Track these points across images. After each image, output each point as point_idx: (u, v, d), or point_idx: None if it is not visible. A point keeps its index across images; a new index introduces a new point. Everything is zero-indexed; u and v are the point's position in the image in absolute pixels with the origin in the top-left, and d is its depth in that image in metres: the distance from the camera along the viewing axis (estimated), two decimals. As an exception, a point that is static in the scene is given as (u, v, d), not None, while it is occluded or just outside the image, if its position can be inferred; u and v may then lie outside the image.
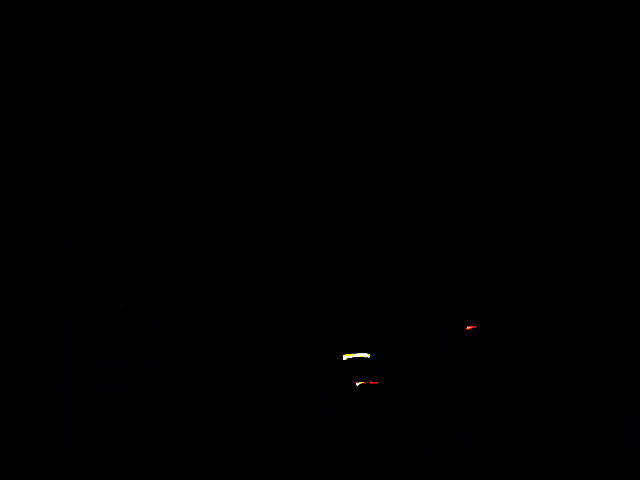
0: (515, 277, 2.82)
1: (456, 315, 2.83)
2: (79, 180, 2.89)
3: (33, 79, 2.90)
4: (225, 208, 2.91)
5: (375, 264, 2.89)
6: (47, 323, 2.79)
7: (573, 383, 2.71)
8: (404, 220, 2.89)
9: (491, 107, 2.87)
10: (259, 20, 2.92)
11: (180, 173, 2.92)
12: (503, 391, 2.76)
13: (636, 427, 2.64)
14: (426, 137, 2.90)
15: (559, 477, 2.65)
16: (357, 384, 2.75)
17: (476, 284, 2.84)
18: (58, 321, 2.80)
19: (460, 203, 2.87)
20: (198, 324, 2.84)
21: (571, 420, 2.68)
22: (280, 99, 2.94)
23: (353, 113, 2.93)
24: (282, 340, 2.84)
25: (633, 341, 2.71)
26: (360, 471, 2.72)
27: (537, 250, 2.82)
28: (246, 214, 2.91)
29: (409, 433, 2.75)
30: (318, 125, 2.93)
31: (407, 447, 2.73)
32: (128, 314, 2.83)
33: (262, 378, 2.80)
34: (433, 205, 2.89)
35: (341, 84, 2.93)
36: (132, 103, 2.92)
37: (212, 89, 2.94)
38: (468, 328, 2.81)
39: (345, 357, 2.76)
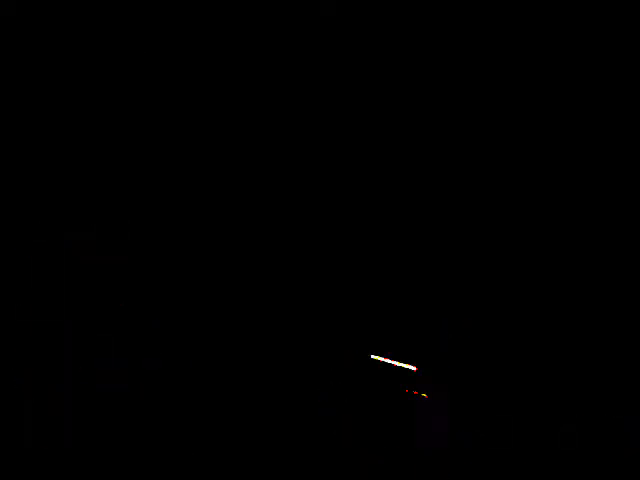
0: (515, 277, 2.82)
1: (456, 315, 2.83)
2: (79, 180, 2.90)
3: (33, 79, 2.90)
4: (225, 208, 2.91)
5: (375, 264, 2.89)
6: (47, 323, 2.79)
7: (573, 383, 2.71)
8: (403, 220, 2.89)
9: (491, 107, 2.87)
10: (259, 20, 2.92)
11: (180, 173, 2.92)
12: (503, 391, 2.76)
13: (636, 427, 2.64)
14: (426, 135, 2.90)
15: (559, 477, 2.65)
16: (403, 392, 2.75)
17: (476, 284, 2.84)
18: (58, 321, 2.80)
19: (461, 203, 2.88)
20: (198, 324, 2.84)
21: (571, 420, 2.68)
22: (280, 99, 2.94)
23: (353, 113, 2.93)
24: (282, 340, 2.84)
25: (633, 341, 2.71)
26: (360, 471, 2.72)
27: (537, 250, 2.82)
28: (247, 214, 2.91)
29: (409, 433, 2.75)
30: (318, 125, 2.93)
31: (407, 447, 2.73)
32: (128, 314, 2.83)
33: (262, 378, 2.81)
34: (434, 205, 2.89)
35: (341, 84, 2.93)
36: (132, 103, 2.92)
37: (212, 89, 2.94)
38: (468, 328, 2.81)
39: (374, 357, 2.76)
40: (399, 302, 2.86)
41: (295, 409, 2.78)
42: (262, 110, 2.94)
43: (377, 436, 2.75)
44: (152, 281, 2.86)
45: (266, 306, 2.86)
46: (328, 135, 2.93)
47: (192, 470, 2.70)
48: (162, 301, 2.85)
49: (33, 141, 2.90)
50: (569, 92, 2.82)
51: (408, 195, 2.90)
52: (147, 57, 2.92)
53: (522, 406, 2.73)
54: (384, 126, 2.92)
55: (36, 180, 2.88)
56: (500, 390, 2.76)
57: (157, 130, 2.93)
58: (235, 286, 2.88)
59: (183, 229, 2.90)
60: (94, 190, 2.89)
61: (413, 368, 2.75)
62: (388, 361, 2.80)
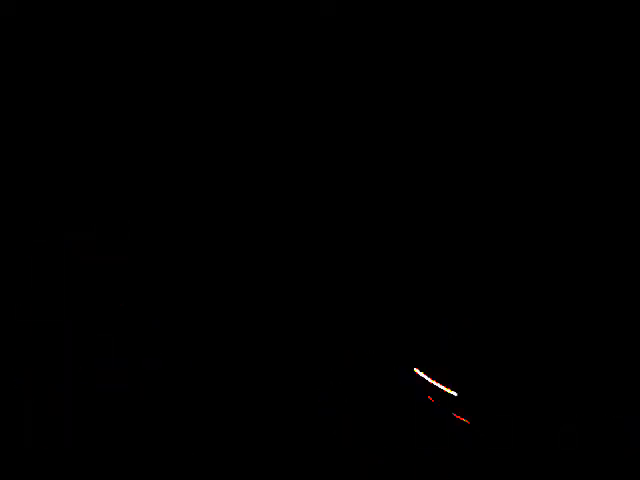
0: (515, 277, 2.82)
1: (456, 315, 2.83)
2: (79, 180, 2.89)
3: (33, 79, 2.90)
4: (226, 208, 2.91)
5: (375, 263, 2.89)
6: (47, 323, 2.79)
7: (573, 383, 2.71)
8: (403, 219, 2.89)
9: (491, 107, 2.87)
10: (258, 20, 2.92)
11: (180, 173, 2.92)
12: (503, 391, 2.75)
13: (636, 427, 2.64)
14: (426, 136, 2.90)
15: (559, 477, 2.65)
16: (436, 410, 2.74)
17: (476, 284, 2.84)
18: (58, 321, 2.80)
19: (461, 203, 2.87)
20: (198, 324, 2.84)
21: (571, 420, 2.68)
22: (280, 99, 2.94)
23: (353, 113, 2.93)
24: (282, 340, 2.84)
25: (633, 341, 2.71)
26: (360, 471, 2.72)
27: (537, 250, 2.82)
28: (246, 214, 2.91)
29: (409, 433, 2.75)
30: (318, 125, 2.93)
31: (407, 447, 2.73)
32: (128, 314, 2.83)
33: (262, 378, 2.80)
34: (434, 206, 2.89)
35: (341, 84, 2.93)
36: (132, 103, 2.92)
37: (212, 89, 2.94)
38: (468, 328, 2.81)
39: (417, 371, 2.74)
40: (399, 302, 2.86)
41: (295, 409, 2.77)
42: (262, 110, 2.94)
43: (377, 436, 2.75)
44: (152, 281, 2.86)
45: (266, 306, 2.86)
46: (328, 135, 2.93)
47: (192, 470, 2.70)
48: (162, 301, 2.85)
49: (33, 141, 2.89)
50: (569, 92, 2.81)
51: (408, 195, 2.90)
52: (147, 57, 2.92)
53: (522, 406, 2.72)
54: (384, 127, 2.92)
55: (36, 180, 2.88)
56: (500, 390, 2.76)
57: (157, 130, 2.93)
58: (235, 286, 2.87)
59: (183, 229, 2.90)
60: (94, 190, 2.89)
61: (454, 393, 2.73)
62: (423, 376, 2.77)
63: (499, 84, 2.86)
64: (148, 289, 2.85)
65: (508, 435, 2.70)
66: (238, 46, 2.93)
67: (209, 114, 2.93)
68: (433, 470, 2.71)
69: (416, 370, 2.79)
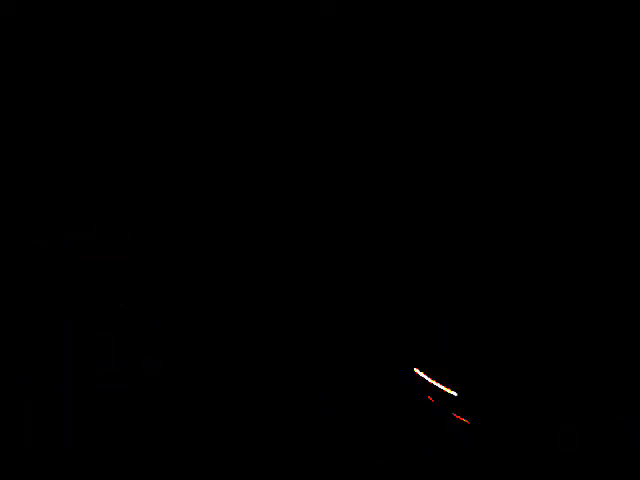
0: (515, 277, 2.82)
1: (456, 315, 2.83)
2: (79, 180, 2.89)
3: (33, 79, 2.90)
4: (226, 208, 2.91)
5: (374, 263, 2.89)
6: (47, 323, 2.79)
7: (573, 383, 2.71)
8: (403, 219, 2.89)
9: (490, 108, 2.87)
10: (258, 20, 2.92)
11: (180, 173, 2.92)
12: (503, 391, 2.76)
13: (636, 427, 2.64)
14: (426, 136, 2.90)
15: (559, 477, 2.65)
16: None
17: (476, 284, 2.84)
18: (58, 321, 2.80)
19: (461, 203, 2.87)
20: (198, 324, 2.84)
21: (571, 420, 2.68)
22: (279, 99, 2.94)
23: (353, 113, 2.93)
24: (282, 340, 2.84)
25: (633, 341, 2.71)
26: (360, 471, 2.72)
27: (538, 250, 2.82)
28: (246, 214, 2.91)
29: (409, 433, 2.75)
30: (318, 125, 2.93)
31: (407, 447, 2.73)
32: (128, 314, 2.83)
33: (262, 378, 2.80)
34: (434, 206, 2.89)
35: (341, 84, 2.93)
36: (132, 103, 2.92)
37: (212, 89, 2.94)
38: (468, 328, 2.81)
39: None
40: (399, 302, 2.86)
41: (295, 409, 2.77)
42: (262, 110, 2.94)
43: (377, 436, 2.75)
44: (152, 281, 2.86)
45: (266, 306, 2.86)
46: (328, 135, 2.93)
47: (192, 470, 2.70)
48: (162, 301, 2.85)
49: (33, 141, 2.90)
50: (569, 92, 2.81)
51: (408, 196, 2.90)
52: (147, 57, 2.92)
53: (522, 406, 2.72)
54: (384, 127, 2.92)
55: (36, 180, 2.88)
56: (500, 390, 2.76)
57: (157, 130, 2.93)
58: (235, 286, 2.87)
59: (183, 229, 2.90)
60: (94, 190, 2.89)
61: (453, 393, 2.72)
62: (423, 376, 2.76)
63: (499, 84, 2.86)
64: (148, 289, 2.85)
65: (508, 435, 2.70)
66: (238, 46, 2.93)
67: (209, 114, 2.93)
68: (433, 470, 2.71)
69: (416, 370, 2.79)
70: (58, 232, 2.85)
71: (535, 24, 2.82)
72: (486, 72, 2.87)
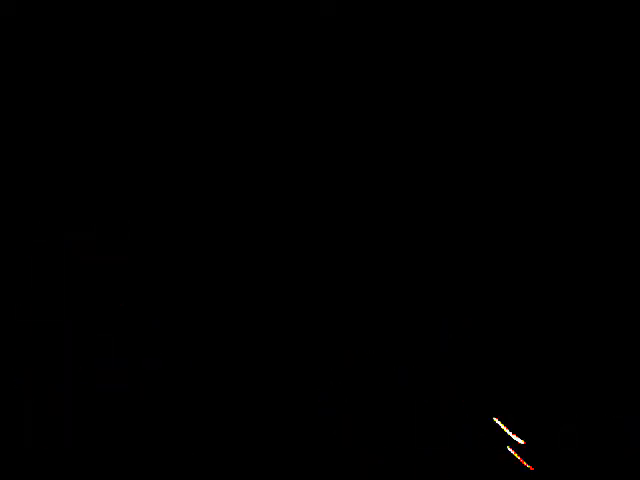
0: (515, 277, 2.82)
1: (456, 315, 2.83)
2: (79, 180, 2.89)
3: (33, 79, 2.90)
4: (226, 208, 2.91)
5: (374, 263, 2.89)
6: (47, 323, 2.79)
7: (573, 383, 2.71)
8: (403, 219, 2.89)
9: (490, 108, 2.87)
10: (259, 20, 2.92)
11: (180, 173, 2.92)
12: (503, 391, 2.75)
13: (636, 427, 2.64)
14: (426, 136, 2.90)
15: (559, 477, 2.65)
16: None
17: (476, 284, 2.84)
18: (58, 321, 2.79)
19: (460, 203, 2.87)
20: (198, 324, 2.84)
21: (571, 420, 2.68)
22: (279, 99, 2.94)
23: (353, 113, 2.93)
24: (282, 340, 2.84)
25: (633, 341, 2.71)
26: (360, 471, 2.72)
27: (538, 250, 2.82)
28: (246, 214, 2.91)
29: (409, 433, 2.75)
30: (318, 125, 2.93)
31: (407, 447, 2.73)
32: (128, 314, 2.83)
33: (262, 378, 2.80)
34: (433, 206, 2.89)
35: (341, 84, 2.93)
36: (132, 103, 2.92)
37: (211, 89, 2.94)
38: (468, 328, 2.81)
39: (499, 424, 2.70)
40: (399, 302, 2.86)
41: (295, 409, 2.77)
42: (262, 110, 2.94)
43: (377, 436, 2.75)
44: (152, 281, 2.86)
45: (266, 306, 2.86)
46: (328, 135, 2.93)
47: (192, 470, 2.70)
48: (162, 301, 2.85)
49: (33, 141, 2.89)
50: (569, 93, 2.81)
51: (408, 196, 2.90)
52: (147, 57, 2.92)
53: (522, 406, 2.72)
54: (384, 126, 2.92)
55: (36, 180, 2.88)
56: (500, 390, 2.76)
57: (157, 130, 2.93)
58: (235, 286, 2.87)
59: (183, 229, 2.90)
60: (94, 190, 2.89)
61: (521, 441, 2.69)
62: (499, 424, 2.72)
63: (499, 84, 2.86)
64: (148, 289, 2.85)
65: (508, 435, 2.70)
66: (238, 46, 2.93)
67: (209, 114, 2.93)
68: (433, 470, 2.71)
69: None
70: (58, 232, 2.85)
71: (535, 24, 2.82)
72: (486, 72, 2.87)
